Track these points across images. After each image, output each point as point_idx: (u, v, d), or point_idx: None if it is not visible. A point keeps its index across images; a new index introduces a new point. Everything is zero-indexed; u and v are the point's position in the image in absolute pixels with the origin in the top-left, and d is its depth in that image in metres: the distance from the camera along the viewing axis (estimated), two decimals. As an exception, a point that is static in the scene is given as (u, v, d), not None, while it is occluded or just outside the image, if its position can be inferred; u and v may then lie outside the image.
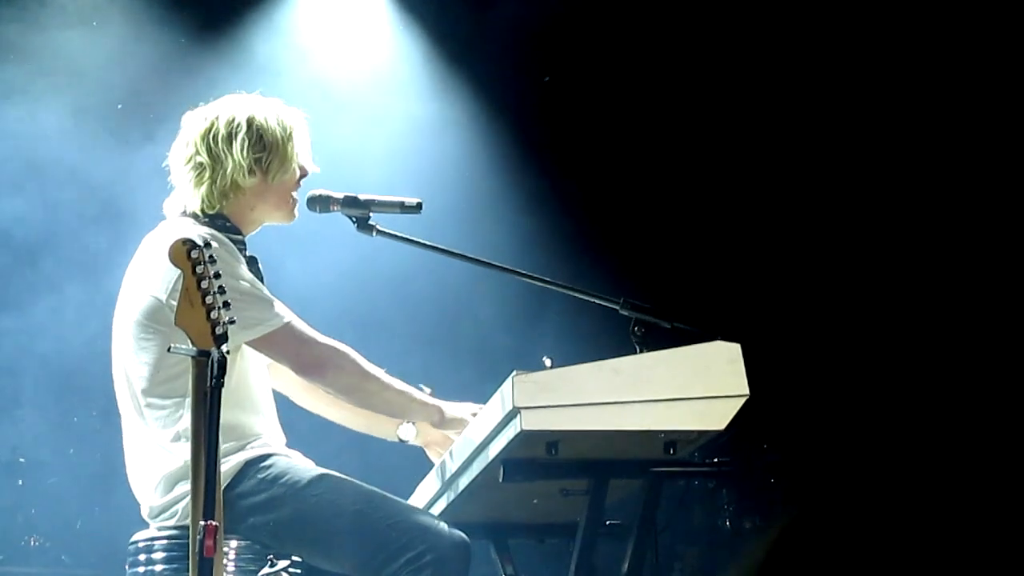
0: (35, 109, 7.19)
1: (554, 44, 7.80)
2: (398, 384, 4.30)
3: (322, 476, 4.17)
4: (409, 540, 4.03)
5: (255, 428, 4.26)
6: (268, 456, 4.19)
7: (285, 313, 4.15)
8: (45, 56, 7.21)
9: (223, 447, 4.07)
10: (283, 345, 4.12)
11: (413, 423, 4.51)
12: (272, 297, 4.16)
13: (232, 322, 3.56)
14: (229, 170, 4.27)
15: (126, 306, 4.23)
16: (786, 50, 7.69)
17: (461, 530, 4.15)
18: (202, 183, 4.29)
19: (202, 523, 3.47)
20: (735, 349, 3.79)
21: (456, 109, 7.80)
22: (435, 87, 7.80)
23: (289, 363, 4.17)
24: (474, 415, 4.33)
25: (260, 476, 4.15)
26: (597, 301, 4.30)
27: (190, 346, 3.55)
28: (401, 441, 4.52)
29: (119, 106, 7.31)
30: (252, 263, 4.33)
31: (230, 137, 4.28)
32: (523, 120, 7.88)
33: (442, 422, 4.34)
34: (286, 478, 4.14)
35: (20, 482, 7.55)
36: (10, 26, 7.19)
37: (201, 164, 4.29)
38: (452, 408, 4.37)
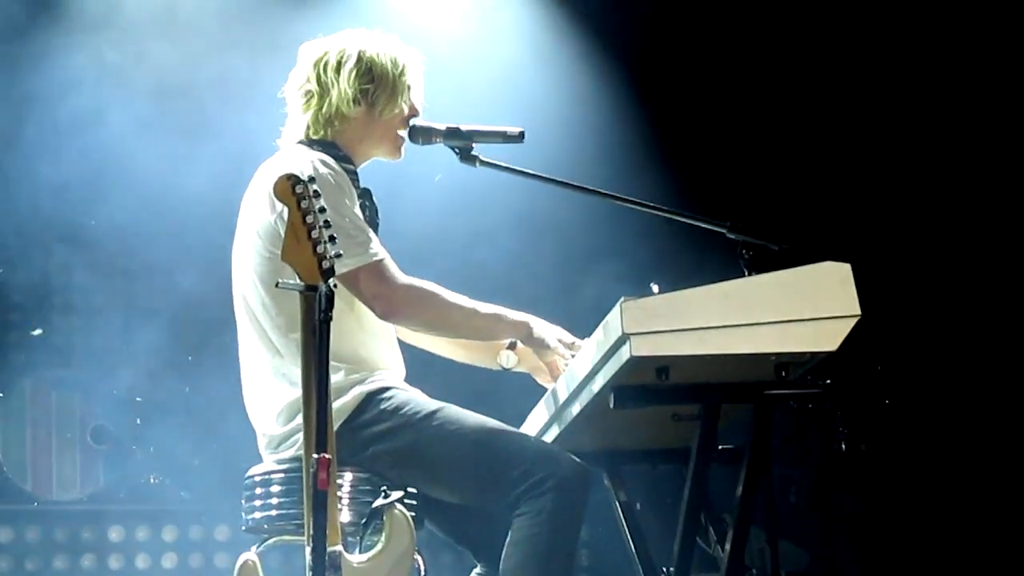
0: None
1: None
2: (484, 308, 4.29)
3: (441, 407, 4.20)
4: (530, 466, 4.05)
5: (378, 361, 4.29)
6: (388, 388, 4.22)
7: (376, 251, 4.15)
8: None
9: (349, 377, 4.13)
10: (364, 284, 4.11)
11: (513, 350, 4.48)
12: (368, 234, 4.16)
13: (339, 256, 3.58)
14: (335, 98, 4.31)
15: (243, 235, 4.29)
16: None
17: (573, 457, 4.16)
18: (309, 109, 4.35)
19: (315, 456, 3.51)
20: (845, 269, 3.74)
21: (555, 37, 7.76)
22: (533, 17, 7.76)
23: (368, 304, 4.17)
24: (566, 342, 4.32)
25: (381, 407, 4.18)
26: (703, 224, 4.27)
27: (298, 281, 3.58)
28: (504, 369, 4.50)
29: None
30: (365, 195, 4.36)
31: (339, 66, 4.32)
32: (625, 47, 7.82)
33: (528, 338, 4.31)
34: (406, 409, 4.17)
35: (138, 421, 7.68)
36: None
37: (310, 91, 4.34)
38: (541, 328, 4.34)
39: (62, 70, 7.26)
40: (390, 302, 4.16)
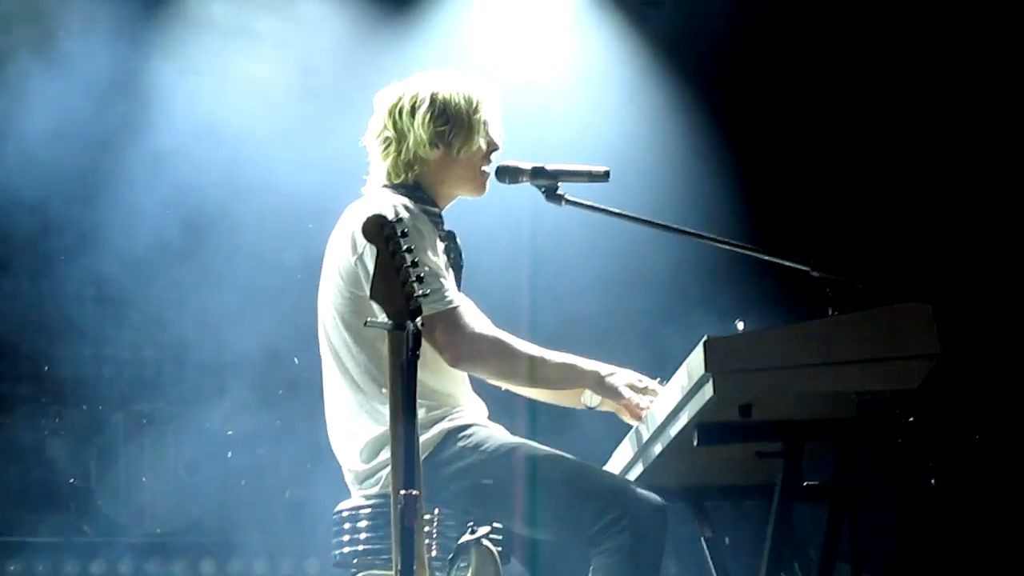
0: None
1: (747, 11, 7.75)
2: (553, 357, 4.33)
3: (520, 444, 4.26)
4: (608, 504, 4.08)
5: (459, 398, 4.36)
6: (469, 425, 4.28)
7: (451, 298, 4.21)
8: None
9: (430, 414, 4.19)
10: (436, 331, 4.16)
11: (596, 402, 4.52)
12: (443, 281, 4.21)
13: (426, 295, 3.64)
14: (411, 143, 4.38)
15: (327, 276, 4.37)
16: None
17: (658, 495, 4.18)
18: (388, 156, 4.42)
19: (402, 492, 3.56)
20: (927, 309, 3.76)
21: (642, 76, 7.79)
22: (618, 53, 7.79)
23: (438, 350, 4.22)
24: (638, 388, 4.35)
25: (461, 444, 4.24)
26: (787, 263, 4.29)
27: (385, 319, 3.65)
28: (588, 408, 4.54)
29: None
30: (450, 237, 4.43)
31: (413, 110, 4.39)
32: (712, 87, 7.84)
33: (599, 387, 4.35)
34: (486, 446, 4.23)
35: (229, 454, 7.76)
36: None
37: (388, 138, 4.42)
38: (615, 376, 4.36)
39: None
40: (459, 350, 4.22)
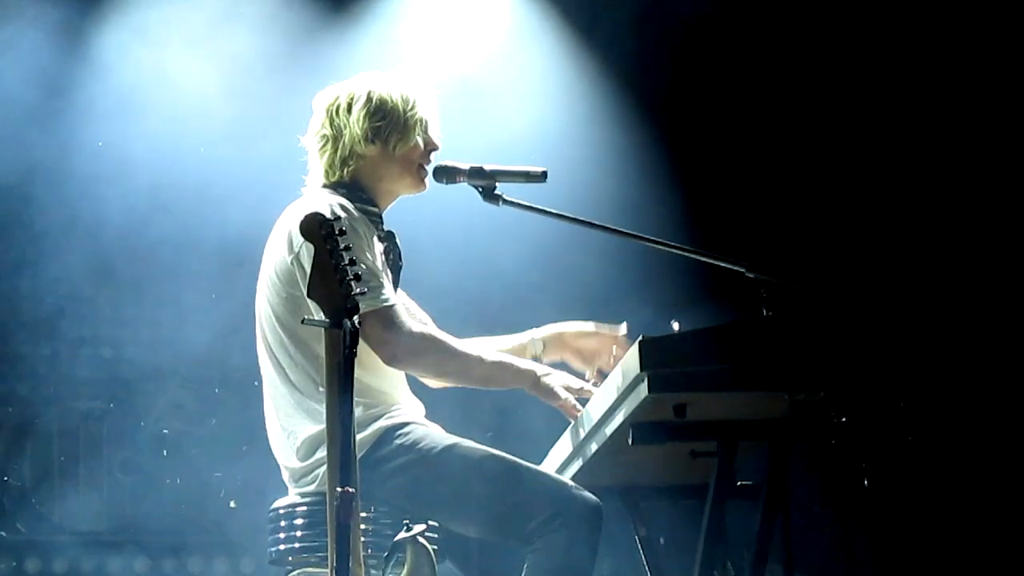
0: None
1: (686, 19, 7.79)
2: (489, 356, 4.37)
3: (456, 442, 4.28)
4: (542, 503, 4.11)
5: (396, 396, 4.38)
6: (406, 424, 4.30)
7: (387, 297, 4.22)
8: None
9: (367, 412, 4.20)
10: (371, 329, 4.14)
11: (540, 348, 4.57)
12: (380, 279, 4.22)
13: (362, 294, 3.65)
14: (347, 139, 4.41)
15: (264, 275, 4.38)
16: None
17: (594, 493, 4.21)
18: (325, 153, 4.45)
19: (339, 489, 3.57)
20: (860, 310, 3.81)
21: (579, 77, 7.82)
22: (555, 54, 7.82)
23: (374, 349, 4.22)
24: (573, 388, 4.40)
25: (398, 442, 4.26)
26: (722, 264, 4.32)
27: (323, 317, 3.65)
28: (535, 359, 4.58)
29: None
30: (389, 237, 4.44)
31: (349, 107, 4.42)
32: (649, 88, 7.88)
33: (534, 388, 4.38)
34: (422, 444, 4.25)
35: (164, 452, 7.73)
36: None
37: (325, 136, 4.44)
38: (550, 376, 4.40)
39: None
40: (395, 348, 4.23)
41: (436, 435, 4.30)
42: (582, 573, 4.09)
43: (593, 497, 4.15)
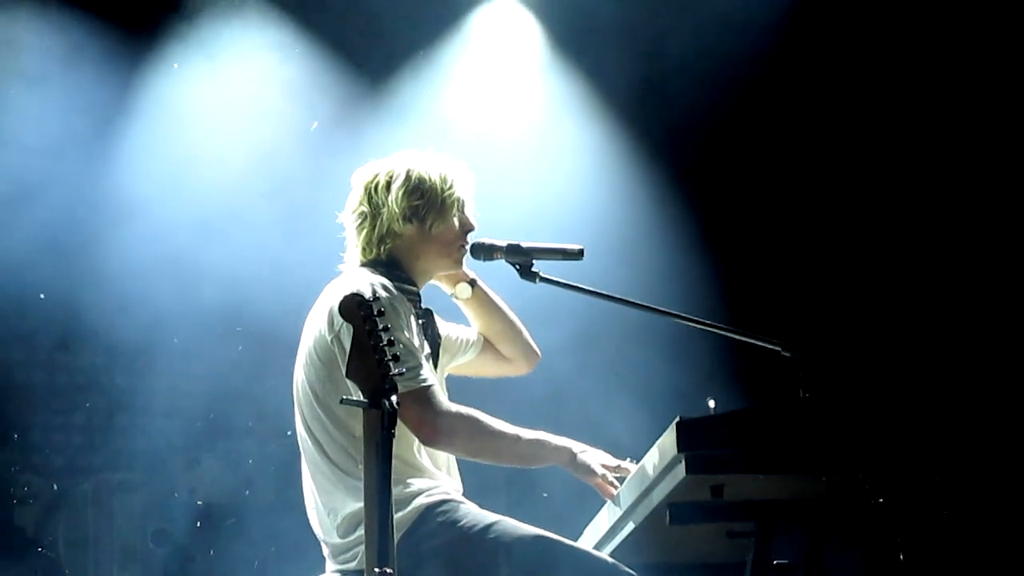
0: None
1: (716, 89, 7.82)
2: (526, 434, 4.38)
3: (497, 520, 4.27)
4: None
5: (434, 473, 4.38)
6: (446, 502, 4.30)
7: (425, 377, 4.22)
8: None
9: (406, 491, 4.20)
10: (409, 410, 4.14)
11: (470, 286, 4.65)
12: (418, 359, 4.23)
13: (401, 374, 3.67)
14: (385, 217, 4.43)
15: (303, 353, 4.39)
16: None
17: (629, 570, 4.20)
18: (363, 231, 4.47)
19: (376, 569, 3.57)
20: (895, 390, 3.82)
21: (616, 155, 7.86)
22: (588, 131, 7.86)
23: (412, 429, 4.23)
24: (610, 466, 4.40)
25: (439, 520, 4.25)
26: (758, 343, 4.32)
27: (361, 397, 3.67)
28: (454, 297, 4.65)
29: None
30: (426, 315, 4.46)
31: (388, 186, 4.44)
32: (680, 162, 7.92)
33: (572, 464, 4.39)
34: (464, 522, 4.24)
35: (198, 524, 7.74)
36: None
37: (363, 213, 4.46)
38: (587, 454, 4.41)
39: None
40: (432, 429, 4.23)
41: (476, 513, 4.29)
42: None
43: (632, 573, 4.14)
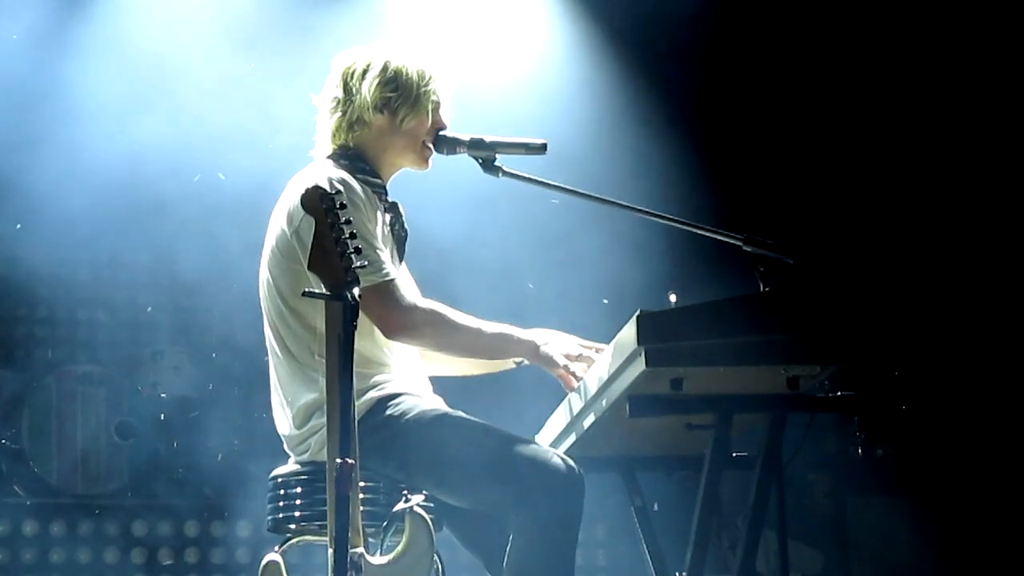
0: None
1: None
2: (489, 327, 4.37)
3: (444, 412, 4.30)
4: (525, 473, 4.10)
5: (392, 367, 4.38)
6: (398, 395, 4.31)
7: (387, 271, 4.22)
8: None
9: (362, 383, 4.21)
10: (370, 303, 4.12)
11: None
12: (379, 253, 4.22)
13: (363, 267, 3.67)
14: (357, 104, 4.40)
15: (267, 246, 4.39)
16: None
17: (589, 464, 4.23)
18: (333, 115, 4.45)
19: (338, 460, 3.60)
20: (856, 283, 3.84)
21: (581, 46, 7.83)
22: (560, 22, 7.82)
23: (375, 322, 4.23)
24: (573, 355, 4.39)
25: (388, 412, 4.26)
26: (719, 237, 4.33)
27: (323, 290, 3.67)
28: (517, 364, 4.56)
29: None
30: (392, 208, 4.45)
31: (364, 74, 4.42)
32: (648, 59, 7.90)
33: (535, 356, 4.39)
34: (411, 415, 4.25)
35: (162, 416, 7.77)
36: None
37: (336, 99, 4.45)
38: (550, 345, 4.40)
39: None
40: (394, 322, 4.24)
41: (425, 406, 4.30)
42: (565, 542, 4.08)
43: (574, 465, 4.14)
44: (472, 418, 4.28)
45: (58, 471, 7.59)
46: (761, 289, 4.09)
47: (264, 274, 4.39)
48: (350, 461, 3.61)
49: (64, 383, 7.67)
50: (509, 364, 4.62)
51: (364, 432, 4.14)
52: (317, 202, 3.68)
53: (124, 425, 7.68)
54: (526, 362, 4.51)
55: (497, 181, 4.51)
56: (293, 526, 4.27)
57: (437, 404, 4.38)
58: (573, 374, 4.34)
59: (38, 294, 7.88)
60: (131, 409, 7.71)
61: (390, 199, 4.46)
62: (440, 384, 4.58)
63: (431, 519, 4.01)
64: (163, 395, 7.80)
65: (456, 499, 4.26)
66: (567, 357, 4.38)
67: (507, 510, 4.14)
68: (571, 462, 4.15)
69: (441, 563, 4.28)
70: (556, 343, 4.42)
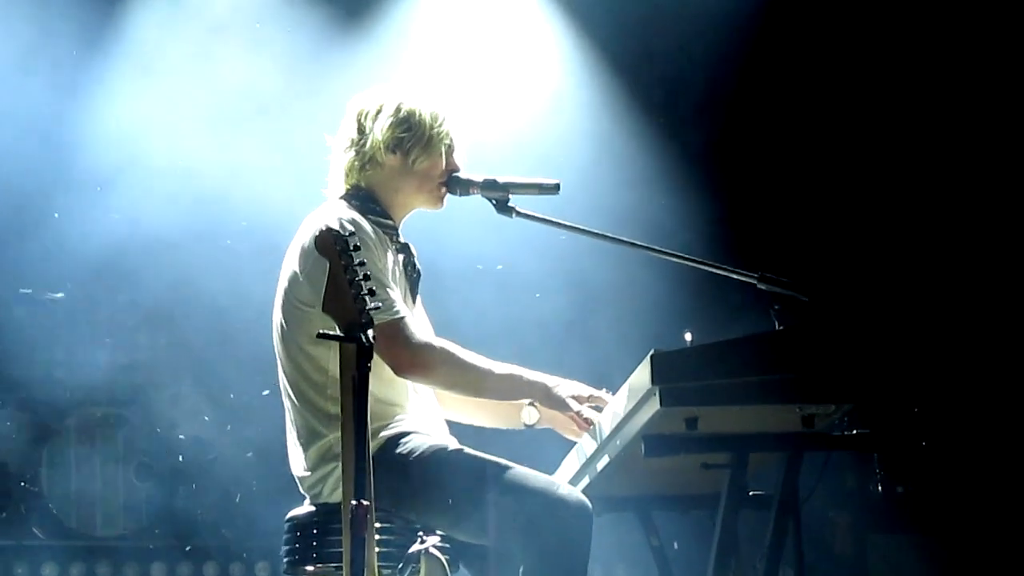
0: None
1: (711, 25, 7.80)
2: (499, 368, 4.37)
3: (449, 450, 4.29)
4: (531, 502, 4.10)
5: (404, 406, 4.38)
6: (408, 433, 4.31)
7: (397, 309, 4.23)
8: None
9: (373, 424, 4.20)
10: (382, 341, 4.02)
11: (535, 406, 4.53)
12: (389, 292, 4.22)
13: (376, 308, 3.68)
14: (369, 143, 4.43)
15: (280, 285, 4.40)
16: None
17: (605, 504, 4.24)
18: (347, 155, 4.47)
19: (353, 502, 3.60)
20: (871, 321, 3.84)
21: (592, 88, 7.84)
22: (573, 64, 7.83)
23: (386, 361, 4.23)
24: (583, 397, 4.39)
25: (397, 451, 4.27)
26: (734, 276, 4.34)
27: (337, 331, 3.68)
28: (527, 426, 4.54)
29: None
30: (404, 249, 4.47)
31: (377, 114, 4.44)
32: (656, 93, 7.91)
33: (546, 399, 4.39)
34: (418, 452, 4.25)
35: (180, 458, 7.77)
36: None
37: (350, 139, 4.47)
38: (560, 387, 4.40)
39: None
40: (405, 360, 4.25)
41: (432, 443, 4.30)
42: (577, 569, 4.07)
43: (582, 497, 4.14)
44: (477, 452, 4.28)
45: (77, 513, 7.59)
46: (776, 327, 4.09)
47: (277, 317, 4.40)
48: (365, 503, 3.60)
49: (83, 424, 7.68)
50: (520, 424, 4.58)
51: (375, 472, 4.14)
52: (331, 244, 3.69)
53: (142, 467, 7.68)
54: (537, 427, 4.51)
55: (509, 222, 4.52)
56: (310, 567, 4.27)
57: (445, 441, 4.38)
58: (586, 418, 4.34)
59: (56, 334, 7.88)
60: (149, 451, 7.71)
61: (402, 240, 4.47)
62: (456, 428, 4.58)
63: (446, 560, 4.01)
64: (181, 436, 7.80)
65: (465, 534, 4.25)
66: (577, 399, 4.38)
67: (515, 542, 4.12)
68: (578, 492, 4.16)
69: (459, 603, 4.28)
70: (566, 385, 4.42)
